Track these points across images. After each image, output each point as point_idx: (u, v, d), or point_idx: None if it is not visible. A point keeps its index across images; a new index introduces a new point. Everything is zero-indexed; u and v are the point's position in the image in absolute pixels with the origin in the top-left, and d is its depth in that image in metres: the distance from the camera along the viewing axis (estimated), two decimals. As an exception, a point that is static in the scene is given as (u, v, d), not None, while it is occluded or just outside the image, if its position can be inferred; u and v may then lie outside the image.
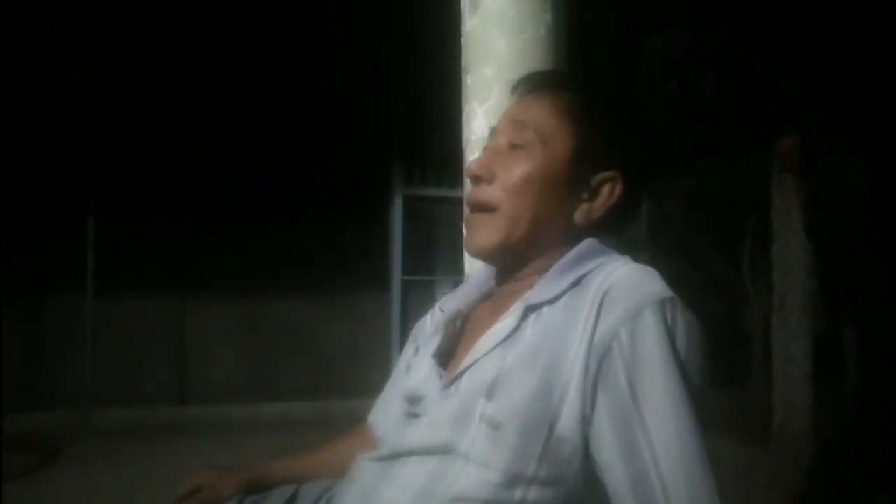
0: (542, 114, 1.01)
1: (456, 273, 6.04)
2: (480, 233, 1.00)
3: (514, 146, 1.00)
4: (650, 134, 1.11)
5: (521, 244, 0.99)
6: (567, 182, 0.99)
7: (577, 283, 0.93)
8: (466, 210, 1.05)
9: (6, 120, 5.17)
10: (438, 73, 2.88)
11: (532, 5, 1.54)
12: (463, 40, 1.64)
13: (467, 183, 1.07)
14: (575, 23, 1.62)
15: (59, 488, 4.02)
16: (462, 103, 1.63)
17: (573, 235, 1.00)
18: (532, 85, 1.07)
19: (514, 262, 1.02)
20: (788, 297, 4.71)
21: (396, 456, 0.96)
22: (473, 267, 1.59)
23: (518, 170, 0.98)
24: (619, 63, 4.59)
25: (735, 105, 4.89)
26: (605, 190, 1.00)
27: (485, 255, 1.03)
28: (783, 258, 4.76)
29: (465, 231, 1.05)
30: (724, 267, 5.68)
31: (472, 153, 1.59)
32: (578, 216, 0.99)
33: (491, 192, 0.99)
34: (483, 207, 1.00)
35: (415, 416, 0.98)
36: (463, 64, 1.63)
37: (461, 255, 1.65)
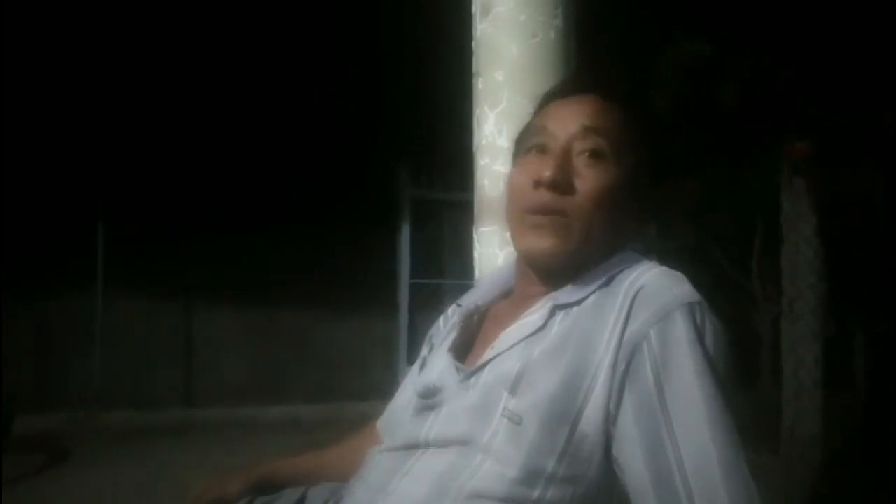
0: (615, 124, 0.99)
1: (464, 276, 6.03)
2: (546, 236, 0.97)
3: (586, 153, 0.98)
4: (678, 145, 1.13)
5: (585, 253, 0.97)
6: (628, 202, 0.99)
7: (606, 283, 0.93)
8: (519, 211, 1.01)
9: (15, 121, 5.20)
10: (448, 77, 2.88)
11: (542, 10, 1.55)
12: (474, 44, 1.64)
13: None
14: (585, 27, 1.63)
15: (65, 490, 4.03)
16: (472, 107, 1.63)
17: (616, 252, 1.00)
18: (588, 86, 1.05)
19: (563, 268, 0.99)
20: (798, 301, 4.69)
21: (411, 448, 0.95)
22: (482, 270, 1.59)
23: (597, 180, 0.96)
24: (628, 65, 4.59)
25: (745, 109, 4.89)
26: (650, 216, 1.03)
27: (546, 259, 0.99)
28: (792, 262, 4.74)
29: (514, 232, 1.02)
30: (734, 270, 5.67)
31: (483, 157, 1.59)
32: (626, 240, 1.01)
33: (567, 199, 0.96)
34: (555, 212, 0.96)
35: (431, 408, 0.97)
36: (474, 68, 1.64)
37: (469, 259, 1.65)
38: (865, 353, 5.52)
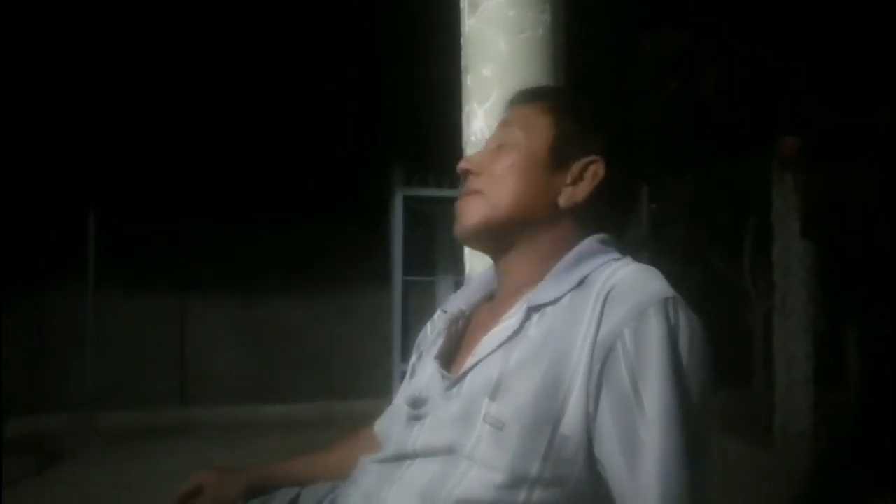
0: (527, 113, 1.06)
1: (456, 273, 6.03)
2: (466, 213, 1.05)
3: (501, 145, 1.06)
4: (637, 123, 1.15)
5: (505, 224, 1.02)
6: (547, 166, 1.02)
7: (580, 283, 0.93)
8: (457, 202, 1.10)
9: (8, 120, 5.18)
10: (438, 74, 2.88)
11: (530, 6, 1.54)
12: (462, 41, 1.64)
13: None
14: (573, 23, 1.62)
15: (60, 491, 4.02)
16: (462, 104, 1.63)
17: (560, 220, 1.02)
18: (522, 96, 1.12)
19: (500, 245, 1.05)
20: (789, 297, 4.72)
21: (400, 458, 0.96)
22: (474, 267, 1.59)
23: (502, 160, 1.04)
24: (616, 61, 4.59)
25: (735, 104, 4.90)
26: (588, 173, 1.02)
27: (470, 235, 1.06)
28: (784, 258, 4.77)
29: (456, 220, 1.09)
30: (725, 267, 5.68)
31: (473, 153, 1.59)
32: (563, 199, 1.01)
33: (478, 181, 1.05)
34: (470, 192, 1.05)
35: (418, 418, 0.98)
36: (462, 64, 1.63)
37: (461, 256, 1.65)
38: (857, 350, 5.54)
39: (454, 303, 1.15)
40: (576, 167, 1.02)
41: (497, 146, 1.06)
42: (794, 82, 4.66)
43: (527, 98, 1.10)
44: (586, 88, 1.13)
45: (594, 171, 1.02)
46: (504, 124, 1.09)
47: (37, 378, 5.55)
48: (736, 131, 4.99)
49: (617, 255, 0.98)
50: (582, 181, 1.02)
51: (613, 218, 1.05)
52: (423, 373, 1.08)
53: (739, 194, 5.50)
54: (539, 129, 1.04)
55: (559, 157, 1.02)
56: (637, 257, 0.98)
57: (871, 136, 4.74)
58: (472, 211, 1.04)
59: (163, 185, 5.68)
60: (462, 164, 1.08)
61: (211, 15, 5.48)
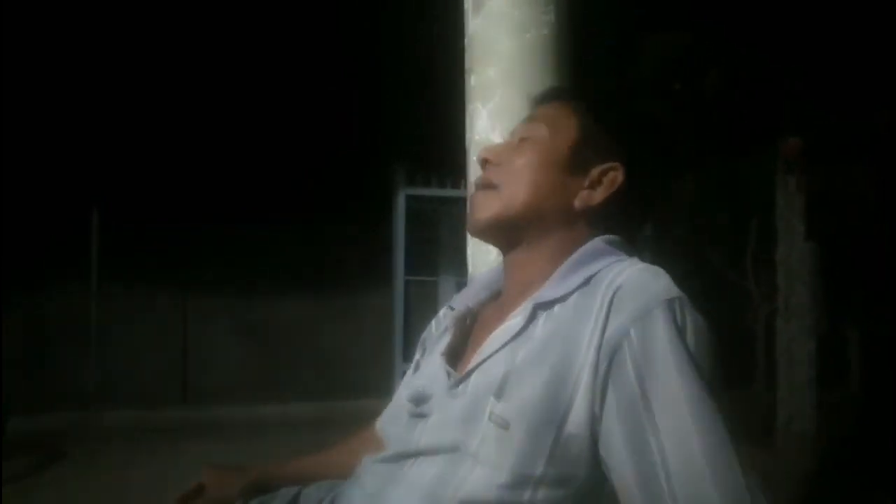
0: (554, 111, 1.07)
1: (459, 273, 6.02)
2: (480, 207, 1.05)
3: (523, 139, 1.06)
4: (654, 132, 1.14)
5: (518, 221, 1.02)
6: (567, 168, 1.02)
7: (586, 283, 0.93)
8: (471, 191, 1.11)
9: (10, 117, 5.18)
10: (442, 74, 2.88)
11: (535, 6, 1.54)
12: (466, 41, 1.64)
13: (471, 176, 1.10)
14: (577, 22, 1.62)
15: (61, 490, 4.02)
16: (466, 103, 1.63)
17: (573, 222, 1.02)
18: (551, 94, 1.13)
19: (511, 240, 1.04)
20: (792, 299, 4.71)
21: (403, 457, 0.96)
22: (477, 267, 1.59)
23: (523, 155, 1.04)
24: (621, 62, 4.59)
25: (736, 104, 4.90)
26: (607, 179, 1.02)
27: (483, 229, 1.06)
28: (787, 260, 4.76)
29: (468, 213, 1.09)
30: (727, 267, 5.68)
31: (476, 153, 1.59)
32: (578, 202, 1.02)
33: (495, 173, 1.05)
34: (486, 185, 1.05)
35: (421, 416, 0.98)
36: (467, 64, 1.63)
37: (464, 256, 1.65)
38: (859, 350, 5.54)
39: (461, 300, 1.15)
40: (595, 171, 1.02)
41: (519, 140, 1.06)
42: (794, 82, 4.66)
43: (555, 97, 1.11)
44: (602, 91, 1.13)
45: (613, 177, 1.02)
46: (530, 119, 1.09)
47: (37, 377, 5.55)
48: (737, 131, 4.99)
49: (624, 255, 0.99)
50: (600, 186, 1.02)
51: (625, 223, 1.05)
52: (427, 369, 1.08)
53: (741, 194, 5.50)
54: (564, 129, 1.04)
55: (580, 160, 1.02)
56: (641, 258, 0.98)
57: (871, 136, 4.74)
58: (486, 205, 1.03)
59: (165, 184, 5.68)
60: (482, 153, 1.08)
61: (212, 14, 5.48)
